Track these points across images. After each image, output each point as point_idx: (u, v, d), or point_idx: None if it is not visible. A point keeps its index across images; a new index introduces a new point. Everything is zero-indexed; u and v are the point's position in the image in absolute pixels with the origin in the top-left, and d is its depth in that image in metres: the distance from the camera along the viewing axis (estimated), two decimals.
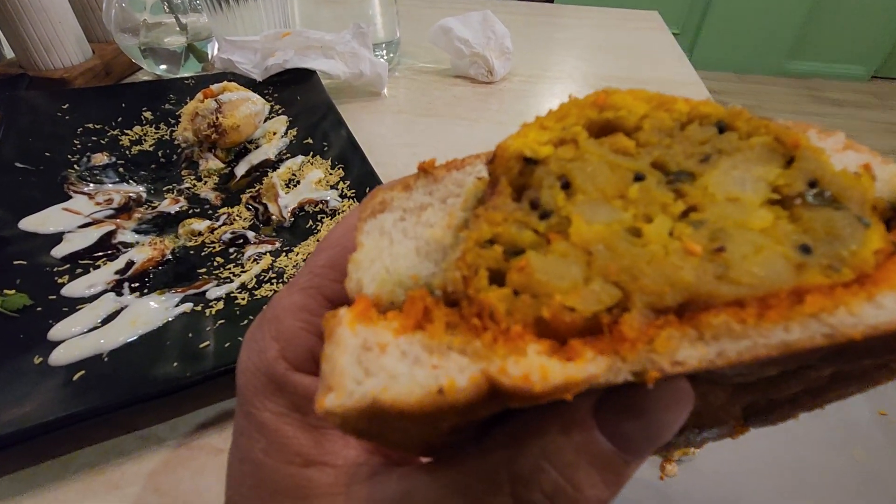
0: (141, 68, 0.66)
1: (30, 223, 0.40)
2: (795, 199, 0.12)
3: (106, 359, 0.30)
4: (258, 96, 0.50)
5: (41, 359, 0.30)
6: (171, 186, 0.46)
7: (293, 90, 0.58)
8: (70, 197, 0.43)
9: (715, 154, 0.13)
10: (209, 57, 0.65)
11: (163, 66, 0.63)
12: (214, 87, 0.49)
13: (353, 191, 0.44)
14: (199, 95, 0.49)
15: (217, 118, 0.47)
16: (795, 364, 0.12)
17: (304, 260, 0.37)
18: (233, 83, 0.50)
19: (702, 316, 0.10)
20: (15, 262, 0.36)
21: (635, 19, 0.91)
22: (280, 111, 0.56)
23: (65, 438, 0.29)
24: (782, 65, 3.29)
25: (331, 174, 0.46)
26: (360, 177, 0.45)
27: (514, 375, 0.10)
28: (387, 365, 0.11)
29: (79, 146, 0.49)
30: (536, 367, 0.10)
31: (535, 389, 0.10)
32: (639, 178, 0.12)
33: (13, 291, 0.34)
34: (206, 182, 0.47)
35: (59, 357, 0.30)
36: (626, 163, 0.13)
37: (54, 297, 0.34)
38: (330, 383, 0.11)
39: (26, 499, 0.27)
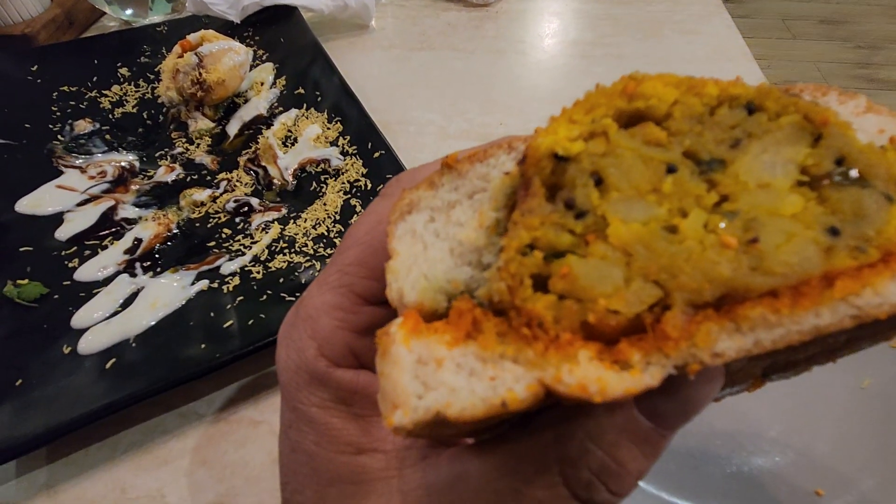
0: (105, 13, 0.61)
1: (26, 205, 0.38)
2: (823, 179, 0.11)
3: (133, 344, 0.31)
4: (240, 45, 0.47)
5: (70, 348, 0.31)
6: (163, 152, 0.44)
7: (275, 31, 0.54)
8: (61, 172, 0.41)
9: (745, 138, 0.12)
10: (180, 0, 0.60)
11: (129, 11, 0.58)
12: (192, 37, 0.46)
13: (354, 147, 0.42)
14: (177, 49, 0.45)
15: (200, 74, 0.43)
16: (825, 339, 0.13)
17: (314, 226, 0.37)
18: (210, 31, 0.46)
19: (738, 308, 0.10)
20: (21, 249, 0.35)
21: None
22: (264, 57, 0.52)
23: (108, 420, 0.30)
24: None
25: (328, 128, 0.44)
26: (359, 130, 0.43)
27: (569, 384, 0.10)
28: (446, 379, 0.11)
29: (58, 113, 0.46)
30: (594, 380, 0.10)
31: (595, 400, 0.10)
32: (671, 170, 0.12)
33: (26, 281, 0.33)
34: (198, 145, 0.45)
35: (87, 345, 0.31)
36: (658, 154, 0.12)
37: (68, 282, 0.34)
38: (394, 401, 0.11)
39: (83, 480, 0.28)
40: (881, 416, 0.28)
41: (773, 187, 0.11)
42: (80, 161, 0.42)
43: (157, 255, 0.36)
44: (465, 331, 0.12)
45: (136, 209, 0.40)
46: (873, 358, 0.30)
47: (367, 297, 0.16)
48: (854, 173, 0.11)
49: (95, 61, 0.50)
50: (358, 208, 0.38)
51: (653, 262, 0.10)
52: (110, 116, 0.47)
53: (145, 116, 0.47)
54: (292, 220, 0.38)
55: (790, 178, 0.11)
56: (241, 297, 0.33)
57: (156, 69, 0.50)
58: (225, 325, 0.31)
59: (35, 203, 0.39)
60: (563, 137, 0.12)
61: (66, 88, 0.48)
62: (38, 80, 0.48)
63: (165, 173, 0.42)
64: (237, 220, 0.39)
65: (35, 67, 0.49)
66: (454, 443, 0.15)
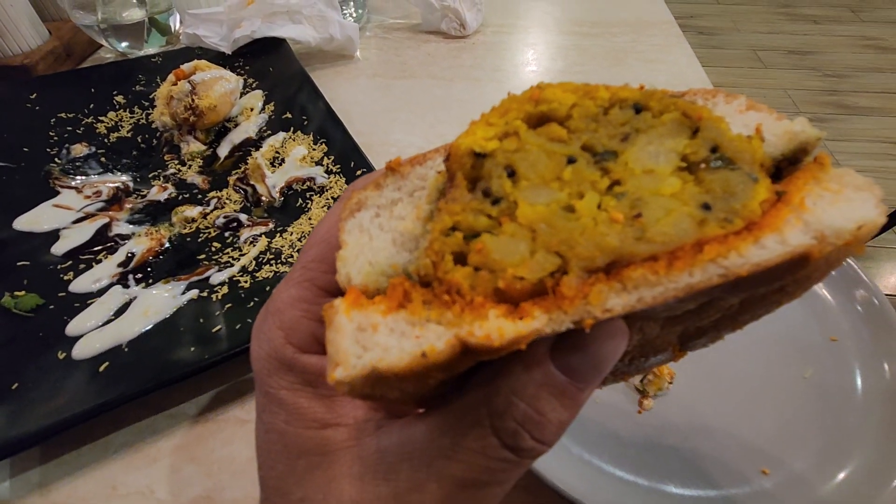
0: (102, 46, 0.64)
1: (24, 223, 0.40)
2: (700, 164, 0.14)
3: (126, 349, 0.33)
4: (231, 73, 0.50)
5: (64, 353, 0.32)
6: (156, 173, 0.47)
7: (264, 61, 0.57)
8: (58, 192, 0.44)
9: (633, 133, 0.15)
10: (172, 30, 0.63)
11: (125, 44, 0.61)
12: (185, 66, 0.49)
13: (339, 166, 0.45)
14: (171, 77, 0.48)
15: (193, 100, 0.46)
16: (706, 298, 0.15)
17: (300, 239, 0.39)
18: (203, 61, 0.50)
19: (624, 271, 0.13)
20: (18, 264, 0.37)
21: None
22: (254, 85, 0.55)
23: (101, 423, 0.31)
24: None
25: (314, 149, 0.47)
26: (343, 151, 0.46)
27: (478, 336, 0.12)
28: (379, 340, 0.13)
29: (55, 138, 0.48)
30: (495, 328, 0.12)
31: (494, 345, 0.12)
32: (571, 160, 0.14)
33: (23, 292, 0.35)
34: (190, 166, 0.47)
35: (81, 351, 0.32)
36: (560, 149, 0.15)
37: (63, 294, 0.36)
38: (336, 360, 0.13)
39: (75, 479, 0.30)
40: (821, 402, 0.30)
41: (657, 172, 0.14)
42: (77, 182, 0.45)
43: (149, 268, 0.38)
44: (398, 301, 0.14)
45: (130, 226, 0.42)
46: (814, 351, 0.33)
47: (328, 290, 0.18)
48: (726, 158, 0.14)
49: (92, 89, 0.53)
50: None
51: (554, 237, 0.13)
52: (106, 141, 0.49)
53: (139, 140, 0.50)
54: (279, 234, 0.40)
55: (671, 165, 0.14)
56: (230, 305, 0.35)
57: (150, 97, 0.53)
58: (213, 330, 0.33)
59: (32, 221, 0.41)
60: (480, 137, 0.15)
61: (63, 115, 0.50)
62: (37, 108, 0.51)
63: (158, 192, 0.45)
64: (226, 234, 0.41)
65: (34, 95, 0.51)
66: (405, 413, 0.17)
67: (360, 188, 0.17)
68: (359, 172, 0.43)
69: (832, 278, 0.34)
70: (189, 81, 0.47)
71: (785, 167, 0.16)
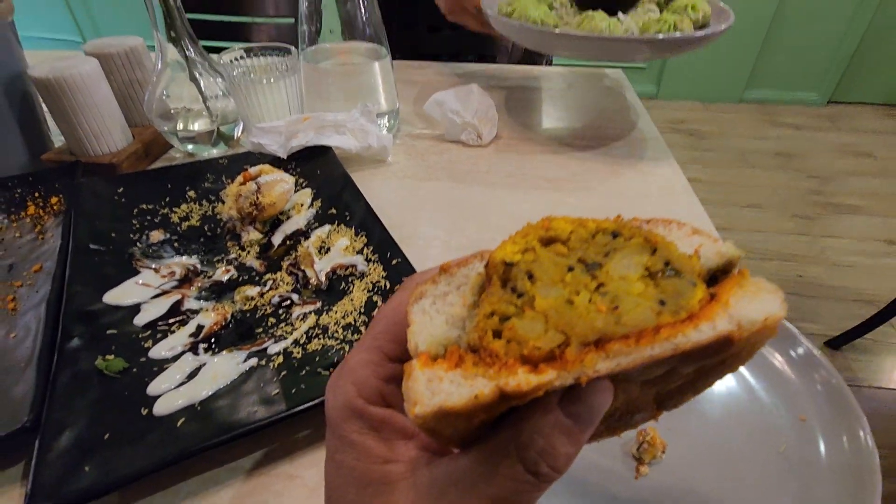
0: (173, 147, 0.76)
1: (112, 297, 0.48)
2: (657, 273, 0.20)
3: (198, 408, 0.38)
4: (289, 175, 0.60)
5: (147, 410, 0.38)
6: (220, 257, 0.55)
7: (313, 165, 0.68)
8: (139, 272, 0.51)
9: (612, 251, 0.22)
10: (234, 137, 0.75)
11: (193, 146, 0.73)
12: (252, 170, 0.59)
13: (377, 255, 0.53)
14: (240, 178, 0.58)
15: (257, 198, 0.56)
16: (667, 366, 0.21)
17: (343, 317, 0.46)
18: (267, 165, 0.60)
19: (607, 345, 0.19)
20: (108, 332, 0.44)
21: (603, 78, 1.03)
22: (304, 184, 0.65)
23: (172, 472, 0.36)
24: (742, 93, 3.51)
25: (356, 240, 0.55)
26: (380, 243, 0.54)
27: (511, 385, 0.18)
28: (444, 388, 0.19)
29: (137, 226, 0.57)
30: (523, 380, 0.18)
31: (523, 390, 0.18)
32: (570, 269, 0.21)
33: (112, 356, 0.42)
34: (248, 252, 0.55)
35: (161, 408, 0.38)
36: (562, 261, 0.21)
37: (144, 359, 0.42)
38: (414, 401, 0.19)
39: None
40: (793, 474, 0.35)
41: (628, 278, 0.21)
42: (154, 264, 0.53)
43: (215, 339, 0.45)
44: (455, 362, 0.20)
45: (199, 302, 0.49)
46: (786, 429, 0.38)
47: (391, 356, 0.24)
48: (674, 270, 0.21)
49: (169, 185, 0.63)
50: (379, 303, 0.47)
51: (560, 321, 0.19)
52: (178, 229, 0.58)
53: (206, 229, 0.58)
54: (325, 312, 0.47)
55: (638, 273, 0.21)
56: (285, 372, 0.41)
57: (218, 193, 0.62)
58: (273, 394, 0.39)
59: (119, 296, 0.48)
60: (509, 252, 0.22)
61: (144, 206, 0.60)
62: (123, 200, 0.60)
63: (222, 274, 0.52)
64: (280, 311, 0.48)
65: (121, 189, 0.61)
66: (449, 453, 0.23)
67: (420, 283, 0.24)
68: (394, 262, 0.51)
69: (797, 363, 0.40)
70: (256, 182, 0.56)
71: (719, 276, 0.24)
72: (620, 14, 0.72)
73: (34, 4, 3.56)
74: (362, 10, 0.72)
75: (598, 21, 0.68)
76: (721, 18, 0.74)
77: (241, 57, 0.68)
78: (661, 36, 0.66)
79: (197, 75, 0.68)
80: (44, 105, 0.66)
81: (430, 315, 0.22)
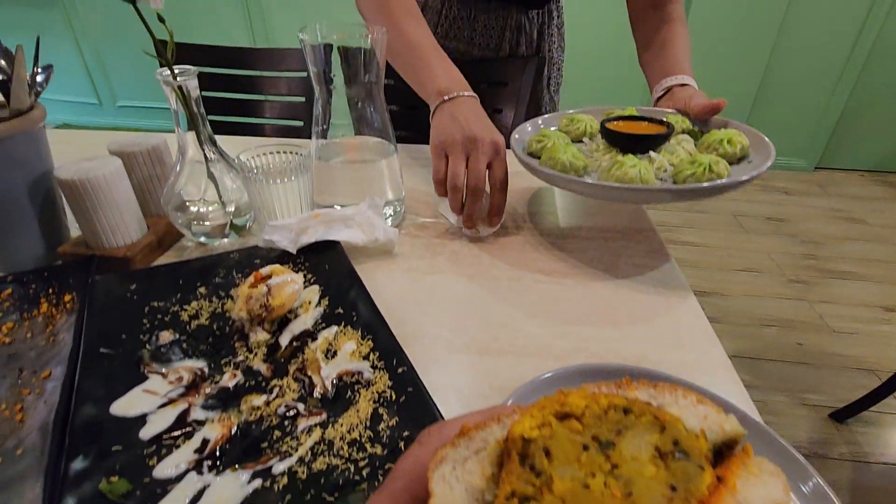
0: (183, 236, 0.78)
1: (119, 408, 0.48)
2: (667, 455, 0.21)
3: None
4: (299, 276, 0.62)
5: None
6: (227, 359, 0.55)
7: (321, 259, 0.70)
8: (147, 377, 0.52)
9: (623, 429, 0.23)
10: (246, 227, 0.78)
11: (205, 238, 0.75)
12: (263, 270, 0.60)
13: (383, 362, 0.53)
14: (251, 279, 0.59)
15: (267, 300, 0.57)
16: None
17: (349, 431, 0.46)
18: (278, 266, 0.62)
19: None
20: (113, 449, 0.44)
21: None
22: (312, 280, 0.67)
23: None
24: None
25: (362, 344, 0.56)
26: (386, 348, 0.55)
27: None
28: None
29: (147, 325, 0.58)
30: None
31: None
32: (585, 447, 0.22)
33: (116, 478, 0.42)
34: (256, 354, 0.56)
35: None
36: (577, 438, 0.23)
37: (148, 479, 0.42)
38: None
39: None
40: None
41: (640, 459, 0.22)
42: (163, 368, 0.53)
43: (219, 455, 0.45)
44: None
45: (205, 411, 0.49)
46: None
47: None
48: (683, 451, 0.22)
49: (180, 281, 0.65)
50: (384, 416, 0.48)
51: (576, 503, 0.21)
52: (188, 328, 0.59)
53: (215, 328, 0.60)
54: (331, 425, 0.48)
55: (648, 454, 0.22)
56: (289, 496, 0.41)
57: (228, 289, 0.64)
58: None
59: (126, 406, 0.48)
60: (527, 427, 0.23)
61: (155, 304, 0.61)
62: (135, 297, 0.62)
63: (229, 379, 0.53)
64: (286, 423, 0.48)
65: (133, 286, 0.63)
66: None
67: (440, 444, 0.25)
68: (400, 370, 0.52)
69: (808, 500, 0.41)
70: (267, 284, 0.58)
71: (724, 451, 0.25)
72: (652, 153, 0.72)
73: (56, 69, 3.74)
74: (371, 110, 0.77)
75: (629, 168, 0.66)
76: (760, 150, 0.72)
77: (258, 155, 0.72)
78: (689, 186, 0.64)
79: (214, 172, 0.72)
80: (65, 201, 0.69)
81: (451, 484, 0.23)
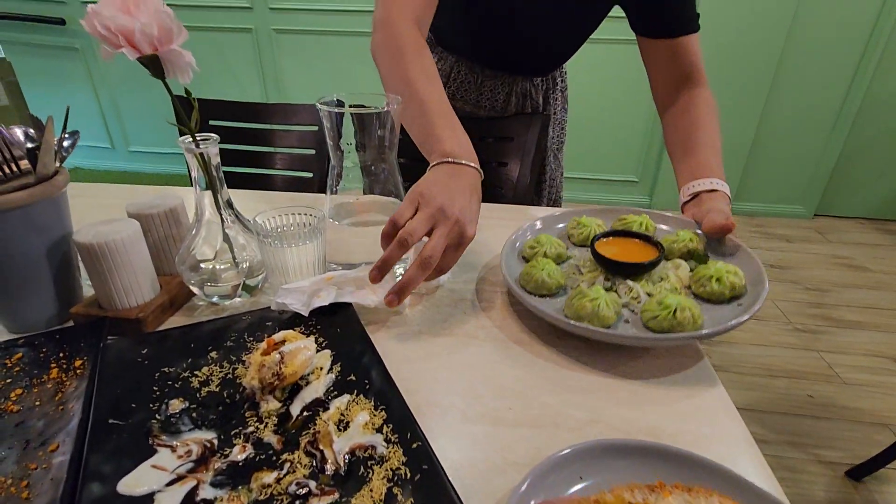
0: (195, 294, 0.78)
1: (126, 486, 0.47)
2: None
3: None
4: (311, 342, 0.61)
5: None
6: (237, 430, 0.54)
7: (333, 322, 0.70)
8: (156, 451, 0.51)
9: None
10: (258, 287, 0.78)
11: (218, 298, 0.75)
12: (276, 337, 0.60)
13: (396, 436, 0.52)
14: (264, 346, 0.59)
15: (280, 368, 0.57)
16: None
17: None
18: (291, 332, 0.62)
19: None
20: None
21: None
22: (324, 344, 0.66)
23: None
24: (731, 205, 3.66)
25: (375, 415, 0.55)
26: (400, 420, 0.54)
27: None
28: None
29: (157, 393, 0.58)
30: None
31: None
32: None
33: None
34: (266, 424, 0.55)
35: None
36: None
37: None
38: None
39: None
40: None
41: None
42: (172, 440, 0.52)
43: None
44: None
45: (214, 489, 0.48)
46: None
47: None
48: None
49: (191, 345, 0.65)
50: (399, 496, 0.47)
51: None
52: (198, 395, 0.58)
53: (225, 395, 0.59)
54: None
55: None
56: None
57: (239, 354, 0.63)
58: None
59: (133, 484, 0.47)
60: None
61: (166, 369, 0.61)
62: (146, 362, 0.61)
63: (239, 452, 0.52)
64: (297, 502, 0.47)
65: (145, 351, 0.63)
66: None
67: None
68: (414, 445, 0.51)
69: None
70: (280, 352, 0.58)
71: None
72: (629, 282, 0.70)
73: (72, 113, 3.86)
74: (384, 173, 0.79)
75: (587, 301, 0.65)
76: (755, 288, 0.66)
77: (273, 217, 0.73)
78: (629, 335, 0.63)
79: (230, 235, 0.73)
80: (81, 262, 0.70)
81: None
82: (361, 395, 0.58)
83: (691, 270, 0.72)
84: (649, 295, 0.69)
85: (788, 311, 2.55)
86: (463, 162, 0.71)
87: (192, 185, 0.71)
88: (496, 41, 1.12)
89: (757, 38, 3.11)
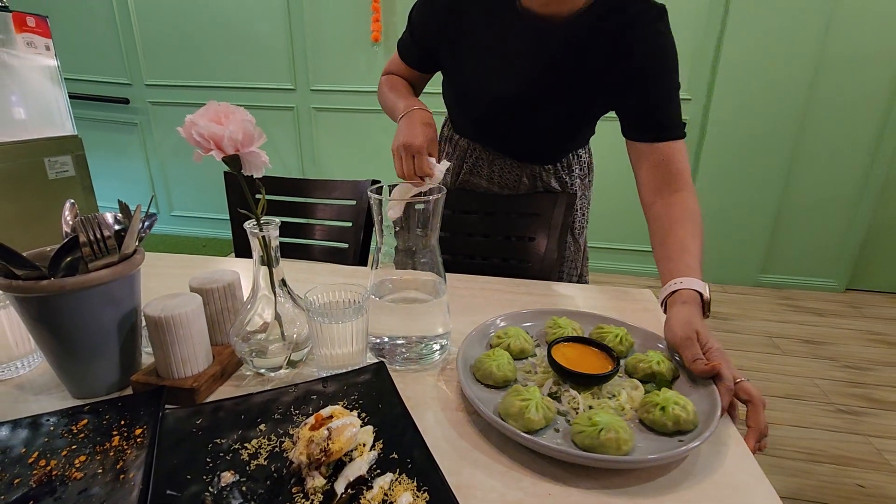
0: (242, 364, 0.82)
1: None
2: None
3: None
4: (356, 418, 0.64)
5: None
6: None
7: (374, 398, 0.72)
8: None
9: None
10: (302, 360, 0.82)
11: (265, 370, 0.79)
12: (324, 412, 0.63)
13: None
14: (312, 421, 0.62)
15: (328, 445, 0.59)
16: None
17: None
18: (338, 408, 0.64)
19: None
20: None
21: (633, 296, 1.11)
22: (366, 419, 0.69)
23: None
24: (757, 277, 3.63)
25: (418, 496, 0.56)
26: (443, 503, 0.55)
27: None
28: None
29: (210, 464, 0.60)
30: None
31: None
32: None
33: None
34: (312, 501, 0.57)
35: None
36: None
37: None
38: None
39: None
40: None
41: None
42: None
43: None
44: None
45: None
46: None
47: None
48: None
49: (242, 417, 0.68)
50: None
51: None
52: (247, 468, 0.61)
53: (273, 469, 0.61)
54: None
55: None
56: None
57: (287, 429, 0.66)
58: None
59: None
60: None
61: (218, 441, 0.64)
62: (199, 433, 0.64)
63: None
64: None
65: (199, 421, 0.66)
66: None
67: None
68: None
69: None
70: (328, 428, 0.60)
71: None
72: (572, 391, 0.70)
73: (125, 180, 4.15)
74: (426, 255, 0.84)
75: (519, 401, 0.66)
76: (711, 417, 0.63)
77: (322, 294, 0.78)
78: (568, 450, 0.61)
79: (280, 312, 0.78)
80: (144, 333, 0.75)
81: None
82: (404, 475, 0.60)
83: (647, 393, 0.68)
84: (590, 408, 0.67)
85: (829, 390, 2.44)
86: (411, 110, 1.00)
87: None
88: (496, 138, 1.28)
89: (775, 110, 3.20)
